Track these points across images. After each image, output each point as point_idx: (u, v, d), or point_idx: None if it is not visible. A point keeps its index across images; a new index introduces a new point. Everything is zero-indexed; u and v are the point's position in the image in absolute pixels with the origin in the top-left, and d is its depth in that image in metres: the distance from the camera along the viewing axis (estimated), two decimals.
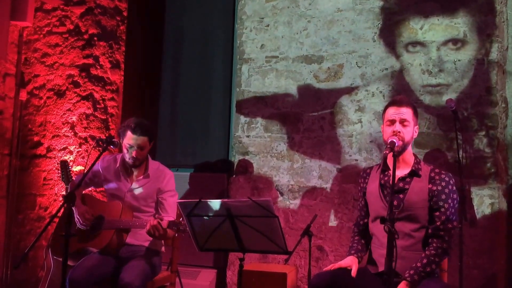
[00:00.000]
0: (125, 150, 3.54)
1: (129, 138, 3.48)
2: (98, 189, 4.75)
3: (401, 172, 2.89)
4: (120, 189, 3.58)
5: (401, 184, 2.87)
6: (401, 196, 2.84)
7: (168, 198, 3.57)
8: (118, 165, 3.62)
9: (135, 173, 3.62)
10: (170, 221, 3.23)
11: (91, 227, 3.47)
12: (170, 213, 3.53)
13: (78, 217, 3.45)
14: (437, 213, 2.79)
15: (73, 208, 3.45)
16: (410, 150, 2.94)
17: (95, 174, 3.69)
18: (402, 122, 2.85)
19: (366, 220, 3.06)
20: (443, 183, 2.81)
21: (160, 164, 3.70)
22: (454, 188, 2.85)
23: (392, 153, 2.69)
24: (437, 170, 2.88)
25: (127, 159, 3.55)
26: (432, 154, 3.94)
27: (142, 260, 3.38)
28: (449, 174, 2.87)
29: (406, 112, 2.88)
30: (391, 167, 2.89)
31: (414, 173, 2.87)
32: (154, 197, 3.58)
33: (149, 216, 3.58)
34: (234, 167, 4.57)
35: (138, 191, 3.57)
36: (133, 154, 3.49)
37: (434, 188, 2.81)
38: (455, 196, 2.84)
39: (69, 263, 3.19)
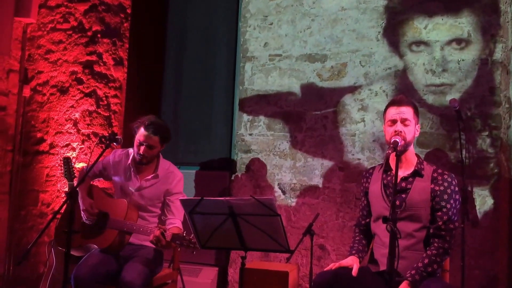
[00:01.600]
0: (135, 147, 3.54)
1: (141, 134, 3.49)
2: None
3: (404, 172, 2.89)
4: (129, 187, 3.58)
5: (403, 184, 2.87)
6: (403, 196, 2.85)
7: (176, 200, 3.53)
8: (129, 161, 3.62)
9: (145, 171, 3.61)
10: (173, 234, 3.21)
11: (95, 223, 3.47)
12: (177, 216, 3.51)
13: (82, 211, 3.46)
14: (439, 213, 2.80)
15: (79, 200, 3.46)
16: (412, 150, 2.94)
17: (105, 166, 3.69)
18: (403, 121, 2.86)
19: (368, 220, 3.06)
20: (446, 184, 2.82)
21: (171, 165, 3.68)
22: (457, 189, 2.85)
23: (395, 152, 2.70)
24: (439, 171, 2.88)
25: (135, 155, 3.55)
26: (435, 154, 3.94)
27: (143, 258, 3.38)
28: (451, 175, 2.87)
29: (406, 111, 2.88)
30: (393, 167, 2.89)
31: (416, 173, 2.88)
32: (161, 198, 3.58)
33: (155, 217, 3.58)
34: (237, 165, 4.57)
35: (146, 190, 3.56)
36: (141, 150, 3.49)
37: (437, 188, 2.82)
38: (457, 197, 2.84)
39: (73, 253, 3.21)
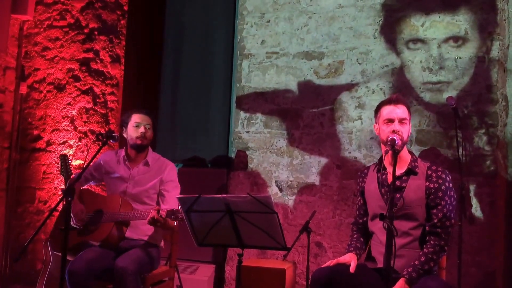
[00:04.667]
0: (132, 132, 3.61)
1: (136, 117, 3.64)
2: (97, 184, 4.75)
3: (398, 170, 2.88)
4: (122, 180, 3.61)
5: (398, 183, 2.86)
6: (398, 194, 2.85)
7: (171, 189, 3.59)
8: (123, 154, 3.68)
9: (136, 160, 3.67)
10: (168, 211, 3.24)
11: (89, 223, 3.47)
12: (172, 205, 3.52)
13: (72, 215, 3.45)
14: (434, 211, 2.80)
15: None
16: (405, 148, 2.94)
17: (96, 167, 3.72)
18: (401, 120, 2.85)
19: (365, 219, 3.06)
20: (440, 181, 2.82)
21: (160, 156, 3.75)
22: (451, 185, 2.85)
23: (392, 151, 2.69)
24: (433, 168, 2.87)
25: (134, 140, 3.60)
26: (432, 152, 3.94)
27: (139, 249, 3.39)
28: (445, 171, 2.87)
29: (403, 111, 2.88)
30: (387, 165, 2.90)
31: (411, 171, 2.87)
32: (156, 187, 3.60)
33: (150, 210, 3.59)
34: (234, 163, 4.57)
35: (140, 179, 3.59)
36: (141, 129, 3.58)
37: (431, 185, 2.82)
38: (452, 193, 2.84)
39: (68, 257, 3.20)
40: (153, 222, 3.25)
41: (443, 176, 2.83)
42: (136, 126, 3.60)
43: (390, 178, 2.86)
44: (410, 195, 2.82)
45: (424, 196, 2.81)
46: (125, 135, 3.68)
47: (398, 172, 2.86)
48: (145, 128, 3.60)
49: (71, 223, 3.46)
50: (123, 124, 3.70)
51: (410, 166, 2.88)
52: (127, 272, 3.15)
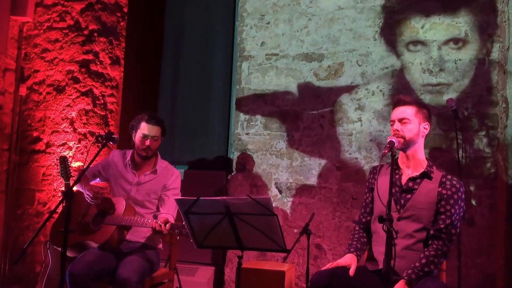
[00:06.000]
0: (138, 142, 3.60)
1: (144, 128, 3.58)
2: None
3: (412, 172, 2.91)
4: (127, 182, 3.62)
5: (410, 184, 2.88)
6: (408, 196, 2.86)
7: (171, 196, 3.59)
8: (128, 158, 3.68)
9: (143, 167, 3.66)
10: (172, 224, 3.25)
11: (91, 223, 3.48)
12: (170, 212, 3.54)
13: (88, 192, 3.47)
14: (443, 216, 2.80)
15: (81, 189, 3.51)
16: (421, 151, 2.94)
17: (104, 167, 3.73)
18: (401, 120, 2.88)
19: (369, 218, 3.05)
20: (454, 189, 2.82)
21: (168, 164, 3.76)
22: (463, 196, 2.85)
23: (402, 152, 2.72)
24: (449, 177, 2.88)
25: (140, 151, 3.61)
26: (432, 154, 3.94)
27: (140, 256, 3.39)
28: (460, 182, 2.87)
29: (404, 110, 2.90)
30: (402, 166, 2.92)
31: (425, 175, 2.88)
32: (158, 193, 3.62)
33: (151, 213, 3.59)
34: (233, 165, 4.56)
35: (144, 185, 3.59)
36: (147, 143, 3.56)
37: (444, 192, 2.82)
38: (462, 204, 2.85)
39: (69, 254, 3.21)
40: (156, 232, 3.27)
41: (457, 185, 2.84)
42: (143, 137, 3.58)
43: (403, 179, 2.90)
44: (420, 198, 2.83)
45: (435, 201, 2.81)
46: (133, 138, 3.67)
47: (413, 174, 2.91)
48: (151, 140, 3.58)
49: (88, 199, 3.48)
50: (132, 127, 3.68)
51: (426, 170, 2.88)
52: (131, 284, 3.15)
